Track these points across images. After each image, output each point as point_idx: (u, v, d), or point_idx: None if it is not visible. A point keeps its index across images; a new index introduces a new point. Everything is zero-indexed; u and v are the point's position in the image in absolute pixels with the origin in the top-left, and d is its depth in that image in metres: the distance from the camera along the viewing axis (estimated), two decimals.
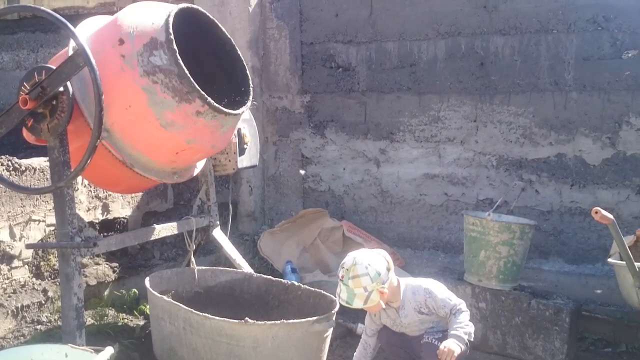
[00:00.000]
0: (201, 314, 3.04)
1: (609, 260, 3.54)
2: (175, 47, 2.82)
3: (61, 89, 2.74)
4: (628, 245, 3.34)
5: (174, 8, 2.94)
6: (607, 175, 4.48)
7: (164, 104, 2.86)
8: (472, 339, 3.00)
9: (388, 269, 3.02)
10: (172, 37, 2.82)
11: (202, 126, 3.00)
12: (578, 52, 4.51)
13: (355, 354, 3.34)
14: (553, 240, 4.65)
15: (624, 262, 3.26)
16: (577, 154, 4.56)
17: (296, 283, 3.68)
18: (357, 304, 2.96)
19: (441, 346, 2.89)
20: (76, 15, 6.03)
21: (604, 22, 4.42)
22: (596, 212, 3.05)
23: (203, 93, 2.89)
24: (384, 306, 3.06)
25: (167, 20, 2.87)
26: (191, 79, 2.85)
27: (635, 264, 3.24)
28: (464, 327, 2.95)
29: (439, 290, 3.09)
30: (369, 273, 2.94)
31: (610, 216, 3.08)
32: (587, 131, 4.52)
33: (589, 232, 4.54)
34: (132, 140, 2.97)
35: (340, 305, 3.07)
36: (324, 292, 3.49)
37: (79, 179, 3.86)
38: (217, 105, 2.95)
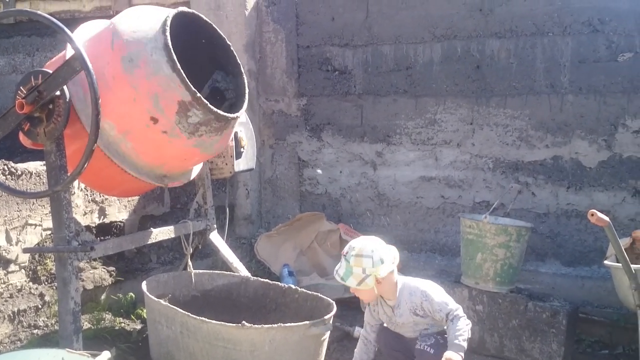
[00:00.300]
0: (198, 317, 3.04)
1: (606, 262, 3.55)
2: (172, 51, 2.82)
3: (58, 93, 2.74)
4: (624, 247, 3.35)
5: (171, 12, 2.94)
6: (603, 177, 4.50)
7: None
8: (469, 336, 2.99)
9: (392, 263, 3.02)
10: (168, 41, 2.82)
11: (204, 135, 3.02)
12: (574, 54, 4.53)
13: (355, 350, 3.33)
14: (549, 243, 4.66)
15: (621, 265, 3.27)
16: (574, 156, 4.57)
17: (293, 286, 3.68)
18: (351, 282, 2.98)
19: (443, 358, 2.88)
20: (72, 19, 6.03)
21: (600, 24, 4.44)
22: (592, 215, 3.06)
23: (200, 96, 2.88)
24: (375, 292, 3.04)
25: (164, 25, 2.88)
26: (188, 82, 2.84)
27: (632, 266, 3.25)
28: (463, 334, 2.94)
29: (436, 293, 3.08)
30: (372, 257, 2.96)
31: (607, 218, 3.09)
32: (583, 134, 4.54)
33: (585, 235, 4.56)
34: (128, 143, 2.96)
35: (335, 279, 3.07)
36: (321, 296, 3.49)
37: (76, 182, 3.85)
38: (214, 108, 2.95)
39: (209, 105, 2.93)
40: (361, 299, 3.21)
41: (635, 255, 3.66)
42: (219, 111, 2.99)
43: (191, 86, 2.85)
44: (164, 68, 2.83)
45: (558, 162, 4.62)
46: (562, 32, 4.54)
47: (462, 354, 2.91)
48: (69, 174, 2.83)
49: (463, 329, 2.95)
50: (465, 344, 2.93)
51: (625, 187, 4.43)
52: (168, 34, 2.85)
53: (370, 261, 2.96)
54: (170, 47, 2.83)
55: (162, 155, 3.07)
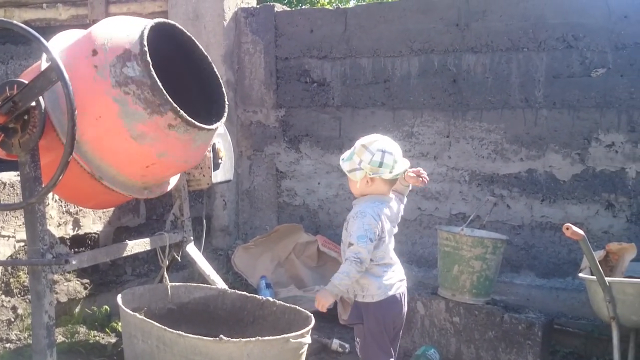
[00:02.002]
0: (175, 331, 3.00)
1: (580, 275, 3.60)
2: (148, 59, 2.81)
3: (33, 103, 2.70)
4: (598, 260, 3.41)
5: (149, 22, 2.93)
6: (577, 190, 4.56)
7: (135, 115, 2.83)
8: (348, 281, 2.88)
9: (389, 172, 2.88)
10: (146, 49, 2.81)
11: (174, 139, 2.98)
12: (548, 70, 4.60)
13: None
14: (524, 255, 4.72)
15: (595, 277, 3.32)
16: (548, 169, 4.64)
17: (271, 299, 3.66)
18: (344, 166, 2.96)
19: (316, 296, 2.91)
20: (48, 27, 5.98)
21: (574, 41, 4.52)
22: (567, 229, 3.11)
23: (175, 105, 2.87)
24: (358, 188, 2.96)
25: (142, 33, 2.86)
26: (164, 90, 2.83)
27: (606, 278, 3.30)
28: (342, 276, 2.85)
29: (362, 222, 2.89)
30: (374, 154, 2.86)
31: (581, 232, 3.14)
32: (557, 147, 4.60)
33: (559, 247, 4.62)
34: (102, 153, 2.93)
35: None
36: (299, 308, 3.48)
37: (50, 194, 3.80)
38: (189, 118, 2.93)
39: (186, 116, 2.91)
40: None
41: (609, 267, 3.72)
42: (198, 123, 2.97)
43: (167, 96, 2.83)
44: (140, 77, 2.81)
45: (532, 175, 4.68)
46: (536, 47, 4.62)
47: (334, 296, 2.90)
48: (43, 186, 2.78)
49: (345, 271, 2.85)
50: (340, 286, 2.87)
51: (599, 200, 4.50)
52: (146, 43, 2.83)
53: (370, 157, 2.86)
54: (148, 57, 2.81)
55: (137, 164, 3.04)
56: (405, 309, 3.08)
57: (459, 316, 4.04)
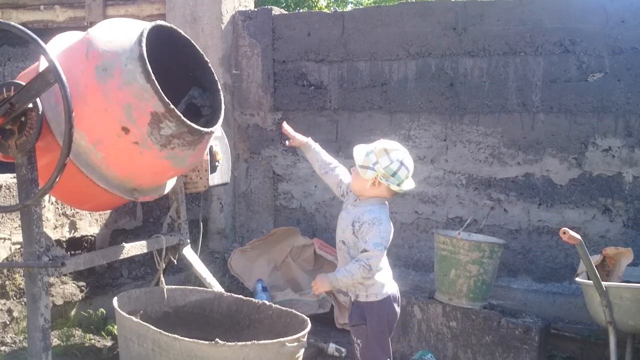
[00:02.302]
0: (170, 335, 2.99)
1: (577, 279, 3.60)
2: (149, 68, 2.80)
3: (30, 105, 2.69)
4: (595, 264, 3.41)
5: (147, 25, 2.92)
6: (574, 195, 4.57)
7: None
8: (351, 281, 2.89)
9: (398, 185, 2.90)
10: (144, 52, 2.80)
11: (177, 148, 2.99)
12: (545, 74, 4.61)
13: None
14: (521, 259, 4.72)
15: (592, 282, 3.32)
16: (545, 173, 4.64)
17: (267, 302, 3.65)
18: (359, 158, 2.96)
19: (316, 278, 2.93)
20: (45, 29, 5.98)
21: (571, 45, 4.53)
22: (564, 233, 3.11)
23: (173, 107, 2.85)
24: (365, 187, 2.97)
25: (140, 36, 2.85)
26: (161, 92, 2.82)
27: (603, 283, 3.30)
28: (348, 273, 2.86)
29: (378, 231, 2.90)
30: (392, 162, 2.89)
31: (578, 236, 3.14)
32: (554, 152, 4.61)
33: (556, 251, 4.62)
34: (109, 162, 2.92)
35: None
36: (296, 312, 3.47)
37: (47, 196, 3.78)
38: (186, 120, 2.91)
39: (182, 117, 2.90)
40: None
41: (606, 272, 3.72)
42: (192, 124, 2.95)
43: (165, 97, 2.82)
44: (138, 78, 2.80)
45: (530, 180, 4.69)
46: (534, 51, 4.63)
47: (332, 285, 2.91)
48: (40, 188, 2.77)
49: (351, 271, 2.85)
50: (340, 282, 2.89)
51: (596, 205, 4.51)
52: (144, 44, 2.83)
53: (387, 163, 2.88)
54: (146, 57, 2.80)
55: (133, 167, 3.03)
56: (399, 308, 3.11)
57: (455, 320, 4.03)
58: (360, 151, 3.00)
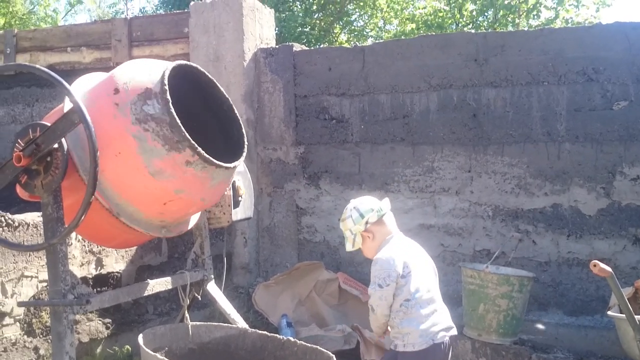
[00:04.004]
0: None
1: (609, 313, 3.51)
2: (168, 97, 2.83)
3: (56, 145, 2.73)
4: (627, 297, 3.32)
5: (170, 64, 2.97)
6: (603, 225, 4.48)
7: (154, 151, 2.84)
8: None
9: (374, 212, 2.99)
10: (166, 87, 2.84)
11: (191, 176, 2.97)
12: (569, 103, 4.57)
13: None
14: (551, 292, 4.61)
15: (624, 315, 3.23)
16: (573, 204, 4.57)
17: (292, 339, 3.60)
18: (348, 247, 3.09)
19: None
20: (72, 71, 6.12)
21: (594, 74, 4.50)
22: (595, 265, 3.03)
23: (193, 142, 2.87)
24: (374, 245, 3.00)
25: (163, 73, 2.90)
26: (182, 128, 2.84)
27: (636, 317, 3.20)
28: (372, 327, 2.96)
29: (380, 268, 2.93)
30: (352, 215, 3.03)
31: (609, 269, 3.07)
32: (582, 181, 4.54)
33: (587, 283, 4.51)
34: (121, 189, 2.92)
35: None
36: (321, 349, 3.41)
37: (73, 234, 3.82)
38: (207, 155, 2.92)
39: (204, 153, 2.92)
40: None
41: (639, 305, 3.61)
42: (215, 161, 2.97)
43: (185, 134, 2.84)
44: (161, 116, 2.83)
45: (557, 210, 4.61)
46: (557, 81, 4.60)
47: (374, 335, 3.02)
48: (65, 226, 2.79)
49: (370, 320, 2.95)
50: (375, 331, 2.99)
51: (626, 235, 4.41)
52: (166, 82, 2.86)
53: (351, 220, 3.03)
54: (168, 96, 2.84)
55: (156, 203, 3.04)
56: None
57: (485, 357, 3.94)
58: (345, 246, 3.15)
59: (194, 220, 3.68)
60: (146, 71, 2.95)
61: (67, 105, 2.81)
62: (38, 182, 2.77)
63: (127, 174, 2.89)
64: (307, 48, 5.97)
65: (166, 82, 2.86)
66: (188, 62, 3.12)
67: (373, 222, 3.00)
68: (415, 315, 2.83)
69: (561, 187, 4.60)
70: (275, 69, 5.51)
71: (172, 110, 2.83)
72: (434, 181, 5.00)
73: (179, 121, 2.83)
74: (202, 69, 3.24)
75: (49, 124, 2.72)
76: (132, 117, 2.82)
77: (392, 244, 3.00)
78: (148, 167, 2.86)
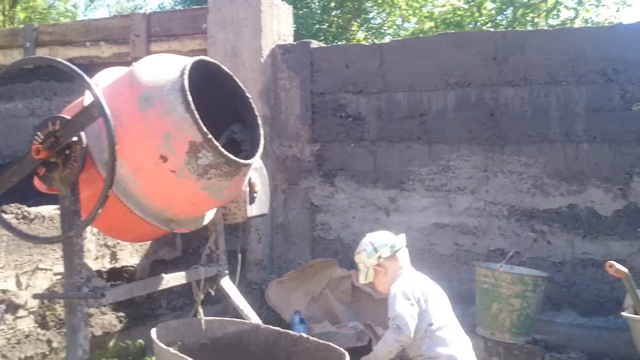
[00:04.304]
0: None
1: (624, 314, 3.48)
2: (189, 98, 2.84)
3: (75, 138, 2.75)
4: None
5: (189, 61, 2.98)
6: (619, 226, 4.44)
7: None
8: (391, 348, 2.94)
9: (388, 248, 3.07)
10: (186, 84, 2.85)
11: (213, 179, 3.01)
12: (588, 103, 4.53)
13: None
14: (566, 292, 4.58)
15: (639, 317, 3.20)
16: (589, 204, 4.53)
17: (305, 335, 3.60)
18: (362, 279, 3.16)
19: None
20: (91, 65, 6.16)
21: (614, 74, 4.45)
22: (610, 266, 3.01)
23: (216, 143, 2.89)
24: (386, 279, 3.06)
25: (183, 69, 2.91)
26: (202, 125, 2.85)
27: None
28: (383, 345, 2.96)
29: (393, 299, 3.00)
30: (366, 249, 3.11)
31: (625, 270, 3.04)
32: (599, 182, 4.50)
33: (601, 284, 4.48)
34: (148, 193, 2.95)
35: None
36: (333, 345, 3.41)
37: (89, 227, 3.84)
38: (228, 154, 2.94)
39: (219, 147, 2.92)
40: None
41: None
42: (229, 155, 2.97)
43: (203, 127, 2.85)
44: (178, 108, 2.84)
45: (573, 211, 4.58)
46: (576, 81, 4.56)
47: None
48: (82, 219, 2.82)
49: (385, 336, 2.96)
50: (380, 352, 2.97)
51: None
52: (186, 77, 2.88)
53: (365, 254, 3.11)
54: (187, 89, 2.85)
55: (170, 195, 3.05)
56: None
57: (498, 356, 3.92)
58: (360, 279, 3.23)
59: (209, 216, 3.69)
60: (166, 66, 2.97)
61: (87, 98, 2.83)
62: (56, 174, 2.80)
63: (144, 165, 2.89)
64: (324, 45, 5.97)
65: (186, 77, 2.88)
66: (208, 58, 3.13)
67: (386, 257, 3.10)
68: (441, 339, 2.92)
69: (578, 187, 4.56)
70: (292, 66, 5.51)
71: (192, 106, 2.83)
72: (450, 180, 4.98)
73: (197, 116, 2.84)
74: (222, 66, 3.24)
75: (68, 117, 2.74)
76: (151, 114, 2.84)
77: (404, 277, 3.11)
78: (175, 172, 2.89)
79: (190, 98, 2.84)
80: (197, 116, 2.83)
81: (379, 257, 3.08)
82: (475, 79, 4.87)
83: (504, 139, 4.79)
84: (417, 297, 2.91)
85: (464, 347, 2.94)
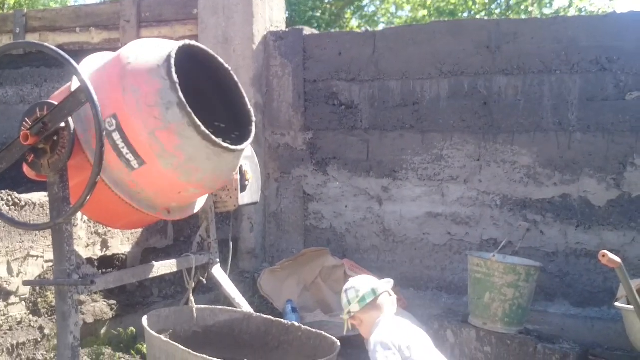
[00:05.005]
0: (199, 355, 2.96)
1: (617, 304, 3.48)
2: (175, 77, 2.80)
3: (62, 124, 2.71)
4: (636, 289, 3.28)
5: (176, 45, 2.94)
6: (612, 216, 4.44)
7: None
8: None
9: (360, 302, 2.92)
10: (173, 67, 2.81)
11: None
12: (581, 92, 4.52)
13: None
14: (558, 283, 4.58)
15: (632, 307, 3.19)
16: (582, 194, 4.53)
17: (296, 324, 3.60)
18: (344, 330, 3.04)
19: None
20: (81, 51, 6.08)
21: (607, 63, 4.43)
22: (603, 256, 3.00)
23: (201, 126, 2.83)
24: (364, 328, 2.96)
25: (169, 53, 2.87)
26: (188, 108, 2.81)
27: None
28: None
29: (378, 346, 2.84)
30: (347, 295, 2.98)
31: (618, 260, 3.03)
32: (592, 172, 4.49)
33: (594, 275, 4.48)
34: (133, 175, 2.92)
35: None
36: (325, 334, 3.41)
37: (79, 214, 3.81)
38: (215, 139, 2.89)
39: (210, 135, 2.89)
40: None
41: None
42: (218, 141, 2.92)
43: (192, 114, 2.81)
44: (165, 93, 2.80)
45: (567, 201, 4.57)
46: (569, 70, 4.54)
47: None
48: (71, 206, 2.79)
49: None
50: None
51: (635, 227, 4.37)
52: (173, 61, 2.83)
53: (346, 300, 2.98)
54: (174, 72, 2.81)
55: (160, 183, 3.01)
56: None
57: (490, 346, 3.92)
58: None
59: (200, 204, 3.66)
60: (153, 50, 2.92)
61: (74, 84, 2.79)
62: (45, 161, 2.77)
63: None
64: (317, 32, 5.92)
65: (173, 62, 2.84)
66: (195, 43, 3.09)
67: (356, 311, 2.96)
68: None
69: (571, 177, 4.55)
70: (284, 53, 5.46)
71: (179, 91, 2.80)
72: (443, 169, 4.97)
73: (185, 102, 2.80)
74: (208, 50, 3.20)
75: (56, 103, 2.71)
76: (138, 97, 2.80)
77: (382, 325, 2.91)
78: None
79: (176, 78, 2.79)
80: (185, 102, 2.80)
81: (349, 312, 3.00)
82: (468, 67, 4.85)
83: (497, 128, 4.77)
84: (397, 345, 2.83)
85: None
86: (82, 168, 2.81)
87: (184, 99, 2.80)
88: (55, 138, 2.74)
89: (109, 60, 2.99)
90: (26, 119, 2.75)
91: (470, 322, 4.03)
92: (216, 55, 3.24)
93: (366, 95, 5.23)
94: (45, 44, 2.81)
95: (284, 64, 5.46)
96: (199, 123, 2.84)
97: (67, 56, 2.67)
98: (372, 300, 2.98)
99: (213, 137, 2.90)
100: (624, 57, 4.39)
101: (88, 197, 2.66)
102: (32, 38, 6.47)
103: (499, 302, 3.85)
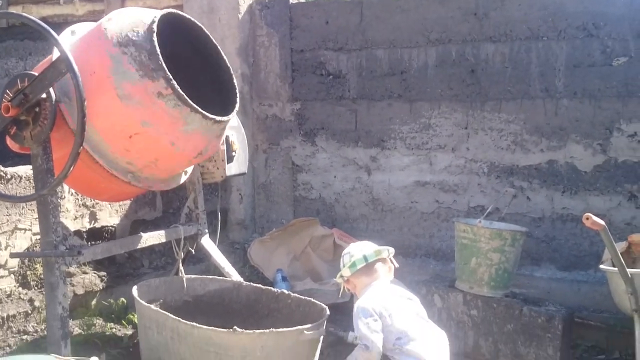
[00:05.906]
0: (189, 323, 2.99)
1: (601, 266, 3.52)
2: (154, 27, 2.79)
3: (44, 95, 2.70)
4: (620, 251, 3.32)
5: (159, 13, 2.92)
6: (598, 181, 4.47)
7: (126, 74, 2.77)
8: None
9: (351, 267, 3.08)
10: (154, 25, 2.80)
11: (161, 110, 2.83)
12: (568, 59, 4.51)
13: None
14: (545, 247, 4.63)
15: (617, 269, 3.24)
16: (569, 160, 4.55)
17: (286, 291, 3.63)
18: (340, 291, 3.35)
19: None
20: (65, 23, 5.97)
21: (594, 29, 4.42)
22: (587, 219, 3.03)
23: (169, 74, 2.80)
24: (354, 291, 3.13)
25: (153, 18, 2.86)
26: (160, 57, 2.77)
27: (628, 270, 3.21)
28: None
29: (360, 311, 2.98)
30: (343, 259, 3.17)
31: (602, 222, 3.06)
32: (578, 138, 4.51)
33: (580, 239, 4.53)
34: (90, 113, 2.84)
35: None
36: (314, 301, 3.45)
37: (66, 187, 3.81)
38: (181, 92, 2.85)
39: (193, 105, 2.88)
40: None
41: (632, 259, 3.63)
42: (190, 101, 2.90)
43: (163, 64, 2.79)
44: (146, 59, 2.79)
45: (553, 167, 4.60)
46: (556, 36, 4.53)
47: None
48: (55, 177, 2.78)
49: (354, 354, 2.95)
50: None
51: (621, 192, 4.41)
52: (155, 27, 2.82)
53: (341, 263, 3.15)
54: (155, 28, 2.79)
55: (146, 151, 3.01)
56: None
57: (476, 309, 3.98)
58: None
59: (186, 175, 3.67)
60: (135, 19, 2.90)
61: (55, 54, 2.77)
62: (27, 133, 2.76)
63: (97, 94, 2.79)
64: (303, 1, 5.86)
65: (156, 20, 2.82)
66: (178, 11, 3.07)
67: (347, 275, 3.10)
68: (413, 353, 2.86)
69: (557, 143, 4.57)
70: (270, 22, 5.41)
71: (155, 40, 2.78)
72: (431, 138, 4.97)
73: (158, 50, 2.78)
74: (192, 19, 3.18)
75: (36, 74, 2.69)
76: (114, 39, 2.80)
77: (370, 291, 3.05)
78: (117, 88, 2.77)
79: (157, 47, 2.78)
80: (166, 69, 2.78)
81: (341, 276, 3.13)
82: (456, 34, 4.82)
83: (485, 96, 4.77)
84: (379, 312, 2.90)
85: (439, 358, 2.92)
86: (66, 140, 2.80)
87: (157, 48, 2.78)
88: (37, 109, 2.73)
89: (90, 30, 2.97)
90: (7, 90, 2.74)
91: (457, 286, 4.08)
92: (199, 24, 3.22)
93: (354, 64, 5.20)
94: (26, 14, 2.78)
95: (270, 33, 5.42)
96: (170, 76, 2.82)
97: (46, 26, 2.65)
98: (362, 267, 3.07)
99: (182, 93, 2.85)
100: (610, 22, 4.38)
101: (72, 168, 2.66)
102: (15, 10, 6.36)
103: (485, 267, 3.89)
